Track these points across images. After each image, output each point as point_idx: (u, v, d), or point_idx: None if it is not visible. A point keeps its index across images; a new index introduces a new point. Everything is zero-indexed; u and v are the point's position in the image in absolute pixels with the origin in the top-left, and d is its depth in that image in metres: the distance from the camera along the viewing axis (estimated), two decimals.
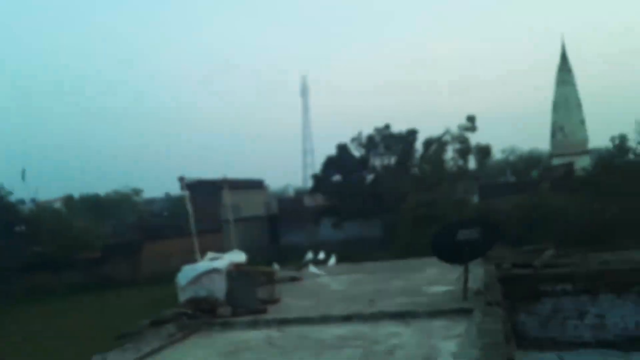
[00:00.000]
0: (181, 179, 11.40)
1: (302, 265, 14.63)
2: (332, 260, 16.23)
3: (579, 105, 51.83)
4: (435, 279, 11.86)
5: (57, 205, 68.43)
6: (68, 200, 73.70)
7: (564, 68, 52.24)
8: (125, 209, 66.18)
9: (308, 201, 60.17)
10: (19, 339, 24.79)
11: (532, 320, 11.52)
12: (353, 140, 51.16)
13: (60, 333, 25.79)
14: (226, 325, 8.88)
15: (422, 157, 49.09)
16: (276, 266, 13.34)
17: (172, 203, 67.57)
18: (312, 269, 14.06)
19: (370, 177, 51.48)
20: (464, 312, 8.23)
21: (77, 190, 78.04)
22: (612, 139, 43.87)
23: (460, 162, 47.12)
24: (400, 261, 16.73)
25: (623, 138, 43.46)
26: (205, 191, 43.83)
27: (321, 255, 16.61)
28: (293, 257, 20.84)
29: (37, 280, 41.31)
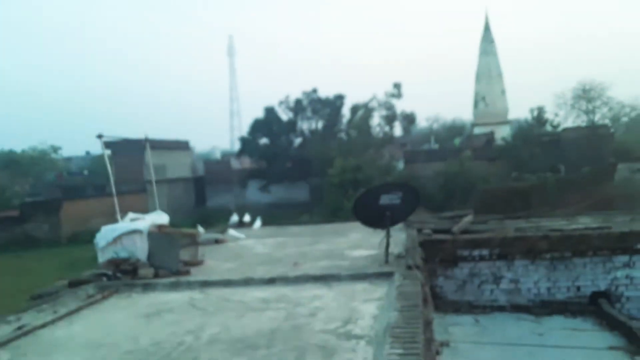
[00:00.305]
0: (100, 137, 11.06)
1: (225, 227, 14.58)
2: (258, 223, 16.26)
3: (500, 76, 53.30)
4: (359, 243, 12.07)
5: None
6: None
7: (487, 39, 53.48)
8: (43, 166, 63.90)
9: (235, 164, 59.82)
10: None
11: (450, 284, 11.89)
12: (281, 103, 51.04)
13: None
14: (147, 287, 8.76)
15: (349, 122, 49.43)
16: (200, 228, 13.25)
17: (92, 162, 65.77)
18: (232, 232, 14.05)
19: (297, 141, 51.54)
20: (385, 276, 8.41)
21: None
22: (531, 110, 45.34)
23: (387, 129, 47.74)
24: (325, 225, 16.90)
25: (541, 110, 44.98)
26: (127, 150, 42.96)
27: (247, 218, 16.64)
28: (219, 220, 20.72)
29: None
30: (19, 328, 6.74)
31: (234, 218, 16.48)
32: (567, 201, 17.78)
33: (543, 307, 11.37)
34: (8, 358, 5.57)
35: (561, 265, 11.59)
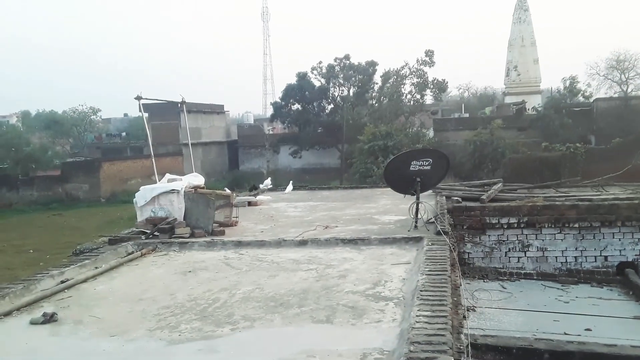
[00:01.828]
0: (138, 98, 11.31)
1: (256, 190, 14.82)
2: (289, 187, 16.50)
3: (533, 44, 52.18)
4: (388, 208, 12.24)
5: (13, 120, 66.69)
6: (24, 116, 71.89)
7: (521, 6, 52.25)
8: (83, 128, 64.83)
9: (267, 129, 60.02)
10: None
11: (477, 251, 12.04)
12: (313, 69, 50.85)
13: (16, 247, 25.75)
14: (184, 246, 9.05)
15: (381, 89, 49.13)
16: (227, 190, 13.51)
17: (130, 124, 66.49)
18: (261, 196, 14.29)
19: (329, 107, 51.44)
20: (414, 241, 8.57)
21: (34, 106, 76.02)
22: (564, 80, 44.51)
23: (417, 96, 47.36)
24: (355, 190, 17.08)
25: (573, 80, 44.14)
26: (164, 113, 43.50)
27: (267, 183, 16.91)
28: (252, 183, 21.01)
29: None
30: (62, 282, 7.06)
31: (268, 182, 16.77)
32: (597, 172, 17.63)
33: (570, 276, 11.46)
34: (52, 310, 5.85)
35: (589, 235, 11.65)
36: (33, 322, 5.63)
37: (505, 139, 35.35)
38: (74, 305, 6.26)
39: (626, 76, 59.79)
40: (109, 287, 7.04)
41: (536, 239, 11.91)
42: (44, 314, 5.69)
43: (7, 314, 5.93)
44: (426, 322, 4.73)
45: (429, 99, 49.59)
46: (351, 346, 4.62)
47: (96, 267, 7.83)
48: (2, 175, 42.99)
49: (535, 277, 11.57)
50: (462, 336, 5.00)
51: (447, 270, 6.52)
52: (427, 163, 9.53)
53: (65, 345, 5.09)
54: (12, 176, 42.90)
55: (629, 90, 58.82)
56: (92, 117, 67.76)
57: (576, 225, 11.73)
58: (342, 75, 49.95)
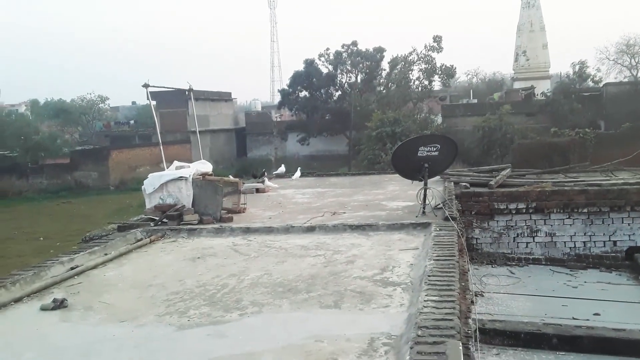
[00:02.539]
0: (146, 86, 11.31)
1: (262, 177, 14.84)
2: (297, 173, 16.52)
3: (542, 29, 51.81)
4: (396, 194, 12.23)
5: (22, 109, 66.97)
6: (33, 104, 72.12)
7: None
8: (92, 116, 65.02)
9: (275, 116, 60.02)
10: None
11: (485, 236, 12.04)
12: (321, 56, 50.74)
13: (27, 235, 25.95)
14: (192, 232, 9.10)
15: (389, 75, 48.97)
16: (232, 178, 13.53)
17: (138, 112, 66.58)
18: (267, 182, 14.31)
19: (337, 94, 51.35)
20: (422, 226, 8.58)
21: (43, 95, 76.33)
22: (573, 65, 44.21)
23: (425, 83, 47.19)
24: (363, 177, 17.07)
25: (583, 65, 43.83)
26: (172, 101, 43.54)
27: (282, 169, 16.96)
28: (261, 170, 21.05)
29: (3, 185, 41.12)
30: (72, 268, 7.11)
31: (281, 168, 16.84)
32: (606, 157, 17.54)
33: (578, 261, 11.45)
34: (62, 296, 5.90)
35: (598, 220, 11.63)
36: (43, 308, 5.68)
37: (514, 124, 35.25)
38: (83, 292, 6.31)
39: (636, 60, 59.19)
40: (119, 274, 7.09)
41: (545, 224, 11.90)
42: (54, 300, 5.73)
43: (18, 300, 5.98)
44: (434, 307, 4.74)
45: (437, 85, 49.49)
46: (359, 331, 4.64)
47: (105, 254, 7.88)
48: (12, 163, 43.25)
49: (543, 263, 11.58)
50: (470, 321, 5.00)
51: (455, 256, 6.53)
52: (435, 149, 9.51)
53: (75, 330, 5.13)
54: (21, 164, 43.18)
55: (639, 74, 58.35)
56: (100, 105, 67.89)
57: (585, 210, 11.70)
58: (349, 62, 49.80)
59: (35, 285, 6.36)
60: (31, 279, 6.52)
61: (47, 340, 4.93)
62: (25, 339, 4.96)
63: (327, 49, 50.20)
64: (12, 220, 30.58)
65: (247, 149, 56.22)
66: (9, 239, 25.02)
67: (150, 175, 10.19)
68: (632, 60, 58.72)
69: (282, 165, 17.23)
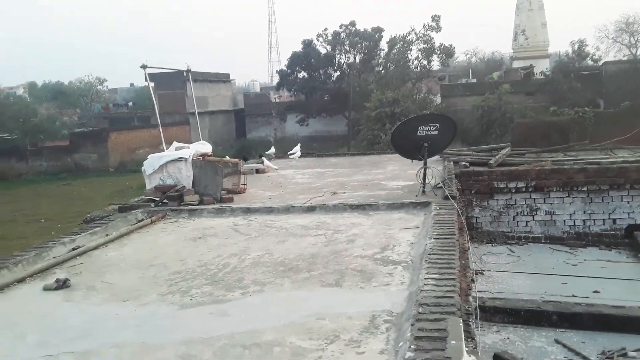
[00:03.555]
0: (144, 67, 11.29)
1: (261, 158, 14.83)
2: (297, 152, 16.50)
3: (541, 8, 51.45)
4: (396, 174, 12.25)
5: (20, 92, 66.84)
6: (31, 87, 71.98)
7: None
8: (90, 98, 64.88)
9: (274, 97, 59.86)
10: None
11: (485, 215, 12.07)
12: (319, 36, 50.48)
13: (28, 217, 26.00)
14: (193, 213, 9.11)
15: (387, 55, 48.76)
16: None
17: (136, 93, 66.43)
18: (266, 162, 14.31)
19: (335, 75, 51.15)
20: (422, 205, 8.59)
21: (40, 77, 76.12)
22: (572, 43, 44.01)
23: (424, 62, 47.00)
24: (362, 157, 17.09)
25: (582, 43, 43.66)
26: (170, 83, 43.40)
27: (271, 151, 16.95)
28: (258, 151, 21.06)
29: (2, 167, 41.14)
30: (74, 249, 7.15)
31: (272, 150, 16.82)
32: (606, 135, 17.56)
33: (578, 239, 11.50)
34: (65, 276, 5.93)
35: (597, 198, 11.66)
36: (46, 288, 5.72)
37: (513, 103, 35.16)
38: (86, 272, 6.35)
39: (635, 39, 59.05)
40: (120, 254, 7.12)
41: (544, 202, 11.93)
42: (57, 280, 5.77)
43: (21, 280, 6.02)
44: (434, 285, 4.77)
45: (435, 64, 49.28)
46: (360, 309, 4.67)
47: (107, 235, 7.91)
48: (12, 146, 43.23)
49: (543, 241, 11.63)
50: (471, 299, 5.04)
51: (455, 234, 6.55)
52: (434, 128, 9.51)
53: (78, 310, 5.16)
54: (21, 147, 43.16)
55: (638, 53, 58.13)
56: (98, 87, 67.74)
57: (584, 188, 11.72)
58: (348, 42, 49.55)
59: (38, 266, 6.40)
60: (33, 259, 6.55)
61: (50, 319, 4.97)
62: (29, 319, 5.00)
63: (325, 29, 50.01)
64: (13, 202, 30.59)
65: (246, 130, 56.13)
66: (10, 222, 25.06)
67: (150, 156, 10.21)
68: (632, 38, 58.60)
69: (272, 147, 17.16)
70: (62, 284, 5.71)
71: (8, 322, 4.95)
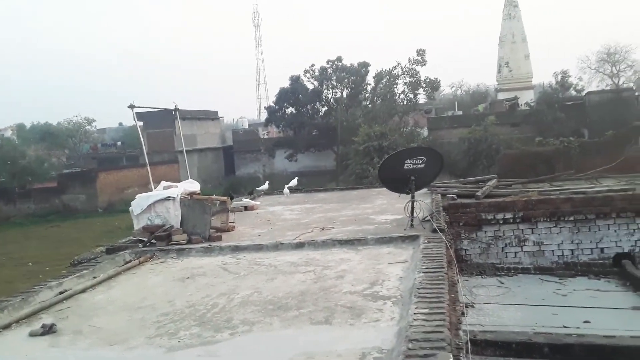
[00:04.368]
0: (132, 107, 11.33)
1: (254, 194, 14.85)
2: (293, 183, 16.55)
3: (523, 40, 52.41)
4: (384, 208, 12.28)
5: (8, 134, 66.72)
6: (19, 129, 71.86)
7: (511, 2, 52.48)
8: (78, 138, 64.84)
9: (262, 133, 60.12)
10: None
11: (474, 247, 12.06)
12: (306, 72, 50.92)
13: (15, 261, 25.77)
14: (181, 252, 9.08)
15: (374, 90, 49.23)
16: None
17: (125, 133, 66.44)
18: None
19: (323, 110, 51.52)
20: (410, 239, 8.60)
21: (28, 119, 76.19)
22: (555, 74, 44.75)
23: (410, 96, 47.47)
24: (351, 191, 17.13)
25: (565, 74, 44.42)
26: (158, 122, 43.53)
27: (265, 187, 17.05)
28: (247, 188, 21.08)
29: None
30: (61, 293, 7.08)
31: (265, 186, 16.90)
32: (591, 165, 17.73)
33: (567, 269, 11.50)
34: (51, 321, 5.87)
35: (585, 228, 11.70)
36: (32, 334, 5.65)
37: (499, 135, 35.53)
38: (73, 316, 6.29)
39: (617, 69, 60.09)
40: (108, 297, 7.06)
41: (532, 233, 11.95)
42: (43, 325, 5.70)
43: (7, 327, 5.94)
44: (424, 320, 4.77)
45: (422, 98, 49.76)
46: (350, 346, 4.66)
47: (94, 277, 7.84)
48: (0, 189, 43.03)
49: (532, 272, 11.61)
50: (461, 332, 5.03)
51: (444, 268, 6.56)
52: (420, 161, 9.58)
53: (65, 355, 5.12)
54: (9, 189, 42.96)
55: (620, 82, 59.12)
56: (86, 127, 67.75)
57: (571, 218, 11.77)
58: (334, 78, 49.99)
59: (24, 311, 6.32)
60: (19, 304, 6.48)
61: None
62: None
63: (312, 65, 50.45)
64: (0, 245, 30.34)
65: (235, 167, 56.22)
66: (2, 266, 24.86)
67: (137, 196, 10.18)
68: (613, 68, 59.61)
69: (266, 183, 17.27)
70: (49, 330, 5.64)
71: None
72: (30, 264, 24.50)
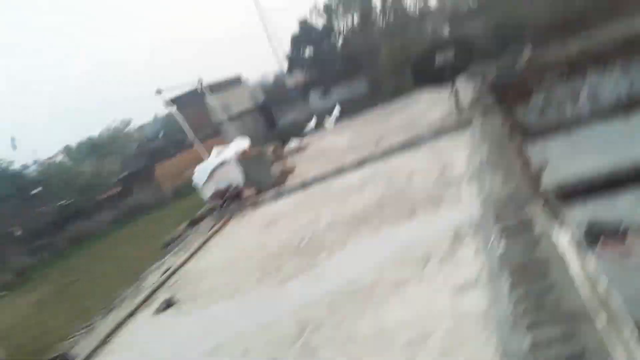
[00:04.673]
0: (159, 92, 11.55)
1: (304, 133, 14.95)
2: (336, 111, 16.55)
3: None
4: (427, 109, 12.24)
5: (60, 158, 68.41)
6: (68, 151, 73.59)
7: None
8: (122, 141, 66.00)
9: (290, 82, 59.86)
10: (83, 274, 25.80)
11: (530, 115, 11.95)
12: (311, 12, 50.05)
13: (115, 260, 26.77)
14: (255, 204, 9.41)
15: (382, 8, 48.10)
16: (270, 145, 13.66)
17: (162, 122, 67.10)
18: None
19: (340, 41, 50.79)
20: (465, 123, 8.64)
21: (73, 140, 77.46)
22: None
23: (421, 3, 46.20)
24: (390, 105, 17.05)
25: None
26: (190, 100, 43.82)
27: (312, 123, 17.06)
28: (293, 134, 21.23)
29: (76, 230, 42.51)
30: (165, 272, 7.51)
31: (312, 123, 16.99)
32: (623, 6, 17.00)
33: (629, 107, 11.32)
34: (169, 296, 6.27)
35: (635, 66, 11.45)
36: (157, 311, 6.09)
37: (520, 8, 34.29)
38: (184, 286, 6.71)
39: None
40: (206, 261, 7.46)
41: (584, 84, 11.76)
42: (164, 301, 6.10)
43: (132, 313, 6.41)
44: (502, 184, 4.89)
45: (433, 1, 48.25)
46: (441, 228, 4.86)
47: (188, 249, 8.24)
48: (73, 211, 44.52)
49: (593, 120, 11.47)
50: (543, 188, 5.12)
51: (505, 137, 6.61)
52: (450, 53, 9.52)
53: (192, 319, 5.52)
54: (80, 207, 44.47)
55: None
56: (126, 129, 68.74)
57: (619, 61, 11.50)
58: (341, 7, 49.01)
59: (140, 297, 6.79)
60: (133, 292, 6.93)
61: (173, 333, 5.34)
62: (152, 342, 5.37)
63: (315, 3, 49.48)
64: (98, 261, 31.51)
65: (276, 120, 56.42)
66: (104, 276, 25.91)
67: (196, 169, 10.48)
68: None
69: (313, 118, 17.37)
70: (169, 303, 6.04)
71: (137, 348, 5.30)
72: (127, 258, 25.37)
